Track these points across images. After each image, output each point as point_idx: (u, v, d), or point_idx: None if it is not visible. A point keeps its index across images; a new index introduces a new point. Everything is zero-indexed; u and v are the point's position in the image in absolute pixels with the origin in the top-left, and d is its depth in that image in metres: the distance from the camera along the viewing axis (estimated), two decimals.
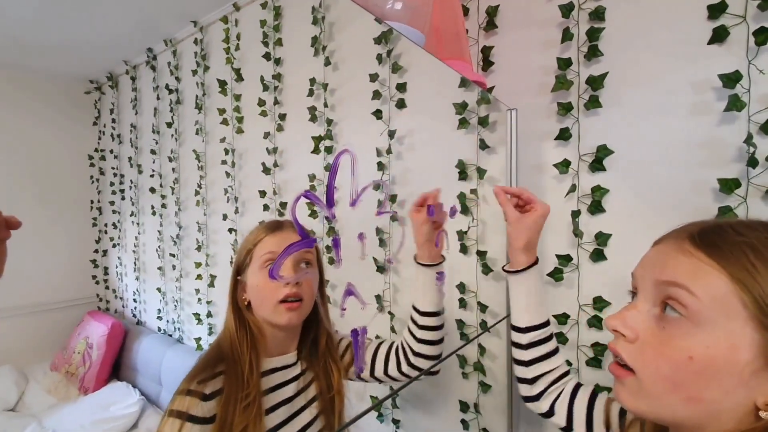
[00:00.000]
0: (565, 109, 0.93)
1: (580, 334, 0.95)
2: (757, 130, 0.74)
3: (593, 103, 0.90)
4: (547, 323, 0.68)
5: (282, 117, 1.58)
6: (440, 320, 0.80)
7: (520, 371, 0.68)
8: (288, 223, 0.75)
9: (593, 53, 0.89)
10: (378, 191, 1.25)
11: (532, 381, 0.66)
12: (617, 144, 0.89)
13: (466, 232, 1.11)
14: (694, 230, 0.38)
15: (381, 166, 1.27)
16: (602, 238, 0.90)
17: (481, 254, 1.09)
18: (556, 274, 0.96)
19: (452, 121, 1.12)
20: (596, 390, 0.63)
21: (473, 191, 1.09)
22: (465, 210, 1.11)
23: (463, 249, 1.12)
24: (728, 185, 0.76)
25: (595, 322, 0.92)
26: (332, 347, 0.80)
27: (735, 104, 0.75)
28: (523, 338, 0.67)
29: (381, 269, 1.27)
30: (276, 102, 1.60)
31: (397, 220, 1.25)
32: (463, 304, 1.13)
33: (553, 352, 0.67)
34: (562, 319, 0.96)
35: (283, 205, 1.59)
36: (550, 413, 0.65)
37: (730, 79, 0.75)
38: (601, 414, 0.58)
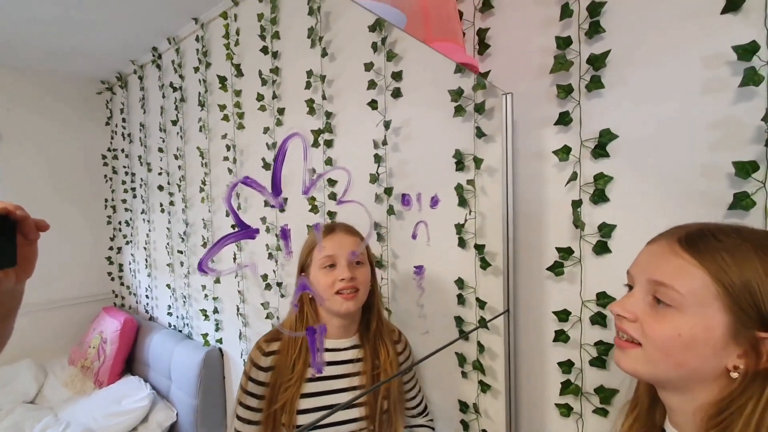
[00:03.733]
0: (565, 91, 0.87)
1: (584, 332, 0.89)
2: None
3: (595, 83, 0.83)
4: None
5: (281, 111, 1.56)
6: None
7: None
8: (340, 225, 0.85)
9: (595, 30, 0.83)
10: (374, 184, 1.21)
11: None
12: (622, 128, 0.82)
13: (463, 225, 1.06)
14: (681, 234, 0.49)
15: (378, 159, 1.23)
16: (606, 229, 0.84)
17: (479, 248, 1.04)
18: (556, 269, 0.90)
19: (448, 109, 1.07)
20: None
21: (470, 182, 1.04)
22: (463, 202, 1.06)
23: (461, 243, 1.07)
24: (745, 169, 0.69)
25: (599, 320, 0.86)
26: (383, 331, 0.91)
27: (752, 78, 0.68)
28: None
29: (379, 264, 1.23)
30: (274, 96, 1.58)
31: (394, 213, 1.21)
32: (461, 300, 1.08)
33: None
34: (563, 316, 0.90)
35: (285, 200, 1.57)
36: None
37: (746, 51, 0.68)
38: None
